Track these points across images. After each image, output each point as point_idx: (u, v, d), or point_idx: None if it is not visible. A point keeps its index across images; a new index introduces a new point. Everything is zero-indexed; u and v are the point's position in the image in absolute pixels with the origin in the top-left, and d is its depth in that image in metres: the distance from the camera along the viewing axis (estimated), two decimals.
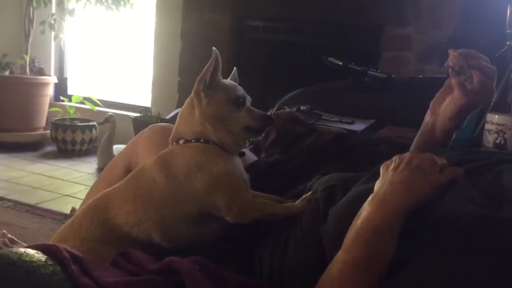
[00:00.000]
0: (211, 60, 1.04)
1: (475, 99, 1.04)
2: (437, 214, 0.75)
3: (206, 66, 1.04)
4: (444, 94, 1.11)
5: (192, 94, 1.08)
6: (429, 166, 0.83)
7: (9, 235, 1.36)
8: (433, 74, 2.71)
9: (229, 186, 1.01)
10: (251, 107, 1.08)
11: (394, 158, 0.88)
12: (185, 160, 1.02)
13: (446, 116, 1.09)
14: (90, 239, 1.01)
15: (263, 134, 1.21)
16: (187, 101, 1.10)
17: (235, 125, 1.05)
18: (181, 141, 1.06)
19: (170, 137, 1.09)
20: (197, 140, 1.04)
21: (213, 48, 1.04)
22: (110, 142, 3.52)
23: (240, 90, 1.08)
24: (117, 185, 1.09)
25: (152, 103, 3.94)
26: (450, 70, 1.04)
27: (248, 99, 1.09)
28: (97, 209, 1.05)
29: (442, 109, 1.10)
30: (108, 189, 1.10)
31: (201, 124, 1.05)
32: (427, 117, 1.14)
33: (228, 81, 1.10)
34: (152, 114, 3.65)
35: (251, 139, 1.14)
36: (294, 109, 1.62)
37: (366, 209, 0.81)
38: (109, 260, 0.91)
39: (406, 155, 0.87)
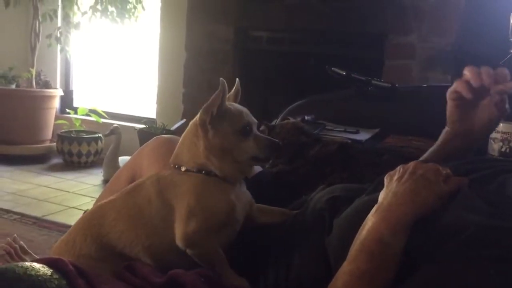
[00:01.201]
0: (218, 91, 0.99)
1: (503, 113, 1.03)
2: (442, 224, 0.75)
3: (213, 97, 1.00)
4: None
5: (196, 121, 1.03)
6: (433, 176, 0.83)
7: (20, 242, 1.36)
8: (437, 82, 2.72)
9: (207, 219, 0.97)
10: (258, 134, 1.05)
11: (398, 168, 0.88)
12: (184, 189, 0.99)
13: (483, 125, 1.05)
14: (85, 256, 1.00)
15: (270, 162, 1.19)
16: (191, 127, 1.06)
17: (242, 155, 1.02)
18: (182, 168, 1.03)
19: (171, 158, 1.07)
20: (199, 171, 1.02)
21: (221, 78, 0.99)
22: (116, 154, 3.54)
23: (246, 116, 1.04)
24: (113, 197, 1.07)
25: (157, 115, 3.96)
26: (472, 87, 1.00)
27: (254, 123, 1.05)
28: (91, 224, 1.03)
29: (477, 116, 1.04)
30: (104, 201, 1.08)
31: (205, 156, 1.01)
32: (456, 125, 1.08)
33: (234, 106, 1.05)
34: (157, 126, 3.67)
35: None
36: (299, 119, 1.62)
37: (370, 220, 0.81)
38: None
39: (410, 165, 0.87)
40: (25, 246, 1.35)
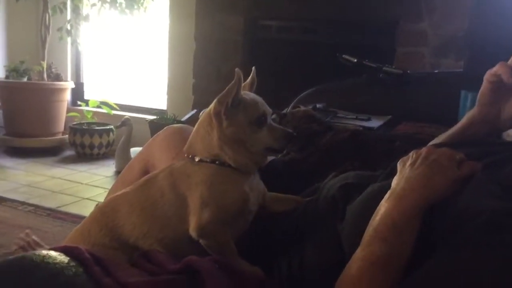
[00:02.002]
0: (234, 81, 0.98)
1: None
2: (456, 209, 0.74)
3: (229, 87, 0.99)
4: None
5: (210, 111, 1.03)
6: (446, 160, 0.82)
7: (33, 237, 1.38)
8: (449, 68, 2.69)
9: (220, 209, 0.97)
10: (272, 124, 1.05)
11: (411, 153, 0.88)
12: (198, 180, 0.99)
13: (511, 116, 1.00)
14: (99, 244, 1.00)
15: (284, 152, 1.18)
16: (205, 117, 1.06)
17: (256, 146, 1.02)
18: (196, 158, 1.03)
19: (185, 148, 1.07)
20: (213, 161, 1.02)
21: (237, 69, 0.98)
22: (127, 145, 3.56)
23: (261, 106, 1.04)
24: (127, 189, 1.08)
25: (167, 106, 3.97)
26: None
27: (269, 112, 1.05)
28: (105, 216, 1.04)
29: (508, 106, 1.01)
30: (118, 193, 1.09)
31: (219, 147, 1.01)
32: (484, 109, 1.04)
33: (249, 96, 1.04)
34: (168, 117, 3.68)
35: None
36: (310, 107, 1.62)
37: (384, 205, 0.81)
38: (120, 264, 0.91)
39: (423, 150, 0.86)
40: (38, 240, 1.37)
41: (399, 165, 0.88)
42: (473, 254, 0.66)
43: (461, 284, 0.65)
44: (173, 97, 3.93)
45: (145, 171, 1.38)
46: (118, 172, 3.47)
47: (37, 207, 2.71)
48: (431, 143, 1.12)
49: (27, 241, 1.32)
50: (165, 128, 1.43)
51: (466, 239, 0.68)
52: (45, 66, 4.00)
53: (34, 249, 1.32)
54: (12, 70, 3.97)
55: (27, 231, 1.39)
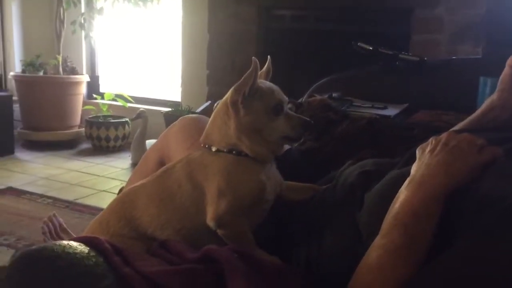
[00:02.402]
0: (250, 70, 0.97)
1: None
2: (478, 196, 0.73)
3: (245, 76, 0.98)
4: None
5: (227, 101, 1.02)
6: (467, 146, 0.81)
7: (59, 219, 1.37)
8: (466, 55, 2.65)
9: (238, 199, 0.97)
10: (290, 112, 1.04)
11: (430, 140, 0.87)
12: (215, 170, 0.99)
13: None
14: (118, 235, 1.01)
15: (301, 141, 1.17)
16: (221, 106, 1.05)
17: (273, 134, 1.01)
18: (213, 148, 1.03)
19: (202, 138, 1.07)
20: (230, 151, 1.01)
21: (253, 58, 0.97)
22: (143, 138, 3.58)
23: (278, 94, 1.03)
24: (144, 180, 1.08)
25: (182, 97, 3.98)
26: None
27: (286, 101, 1.04)
28: (124, 207, 1.05)
29: None
30: (136, 184, 1.10)
31: (236, 136, 1.00)
32: (503, 94, 1.03)
33: (265, 85, 1.03)
34: (183, 108, 3.69)
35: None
36: (326, 96, 1.61)
37: (403, 193, 0.80)
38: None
39: (443, 136, 0.85)
40: (63, 223, 1.38)
41: (418, 152, 0.87)
42: (495, 241, 0.65)
43: (483, 272, 0.64)
44: (187, 89, 3.94)
45: (161, 162, 1.38)
46: (134, 164, 3.49)
47: (55, 199, 2.75)
48: (455, 128, 1.10)
49: (54, 225, 1.33)
50: (180, 118, 1.43)
51: (488, 225, 0.67)
52: (60, 60, 4.03)
53: (59, 235, 1.33)
54: (28, 65, 4.01)
55: (52, 213, 1.40)
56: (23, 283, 0.73)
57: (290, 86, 1.40)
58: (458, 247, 0.69)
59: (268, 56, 1.10)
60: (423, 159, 0.83)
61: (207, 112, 2.86)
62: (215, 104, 1.10)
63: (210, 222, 0.97)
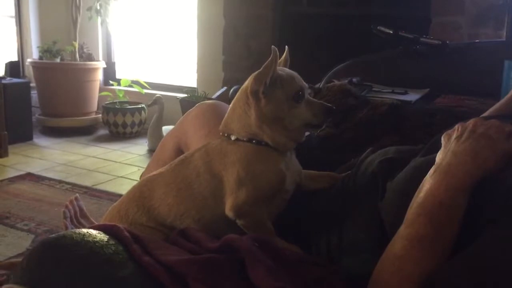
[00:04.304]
0: (270, 59, 0.95)
1: None
2: (507, 185, 0.70)
3: (265, 65, 0.96)
4: None
5: (247, 89, 1.00)
6: (495, 133, 0.78)
7: (80, 203, 1.37)
8: (488, 38, 2.58)
9: (257, 189, 0.96)
10: (310, 98, 1.02)
11: (456, 126, 0.84)
12: (234, 159, 0.98)
13: None
14: (137, 224, 1.01)
15: (323, 127, 1.15)
16: (241, 95, 1.03)
17: (295, 122, 1.00)
18: (232, 137, 1.02)
19: (221, 127, 1.05)
20: (249, 140, 1.00)
21: (272, 46, 0.95)
22: (159, 124, 3.58)
23: (298, 81, 1.01)
24: (163, 169, 1.07)
25: (198, 83, 3.96)
26: None
27: (306, 87, 1.02)
28: (142, 196, 1.04)
29: None
30: (154, 172, 1.08)
31: (257, 126, 0.99)
32: None
33: (285, 72, 1.01)
34: (199, 94, 3.68)
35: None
36: (345, 81, 1.57)
37: (428, 181, 0.78)
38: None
39: (470, 123, 0.82)
40: (84, 208, 1.37)
41: (443, 139, 0.84)
42: None
43: None
44: (203, 75, 3.92)
45: (178, 149, 1.37)
46: (150, 151, 3.50)
47: (74, 185, 2.77)
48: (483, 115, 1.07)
49: (75, 211, 1.33)
50: (197, 104, 1.41)
51: None
52: (77, 46, 4.04)
53: (79, 221, 1.33)
54: (45, 51, 4.03)
55: (75, 196, 1.40)
56: (43, 271, 0.73)
57: (308, 72, 1.38)
58: (486, 238, 0.66)
59: (286, 46, 1.08)
60: (449, 147, 0.80)
61: (223, 97, 2.84)
62: (231, 90, 1.09)
63: (229, 212, 0.96)
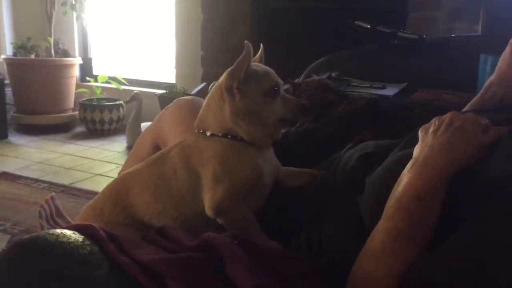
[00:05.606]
0: (243, 55, 0.95)
1: None
2: (484, 178, 0.71)
3: (239, 61, 0.95)
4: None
5: (221, 85, 0.99)
6: (471, 126, 0.78)
7: (56, 203, 1.34)
8: (464, 32, 2.61)
9: (234, 184, 0.95)
10: (286, 95, 1.02)
11: (433, 120, 0.84)
12: (210, 155, 0.97)
13: None
14: (113, 223, 0.99)
15: (298, 125, 1.15)
16: (215, 91, 1.02)
17: (270, 118, 0.99)
18: (208, 133, 1.01)
19: (195, 123, 1.04)
20: (225, 135, 0.99)
21: (246, 41, 0.94)
22: (138, 120, 3.54)
23: (274, 77, 1.00)
24: (139, 166, 1.05)
25: (176, 79, 3.93)
26: None
27: (281, 83, 1.02)
28: (118, 194, 1.02)
29: None
30: (130, 169, 1.07)
31: (232, 121, 0.98)
32: (493, 88, 1.04)
33: (259, 67, 1.01)
34: (178, 90, 3.64)
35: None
36: (324, 76, 1.57)
37: (406, 175, 0.78)
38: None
39: (446, 117, 0.82)
40: (60, 207, 1.35)
41: (421, 133, 0.84)
42: (505, 224, 0.63)
43: (492, 256, 0.62)
44: (182, 70, 3.89)
45: (156, 145, 1.36)
46: (129, 147, 3.46)
47: (51, 184, 2.72)
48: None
49: (50, 211, 1.30)
50: (175, 100, 1.40)
51: (497, 208, 0.65)
52: (52, 42, 3.96)
53: (54, 220, 1.30)
54: (20, 47, 3.94)
55: (51, 195, 1.37)
56: (15, 273, 0.71)
57: (286, 66, 1.37)
58: (466, 229, 0.67)
59: (261, 45, 1.07)
60: (426, 141, 0.80)
61: (202, 93, 2.82)
62: (211, 85, 1.08)
63: (208, 211, 0.95)
